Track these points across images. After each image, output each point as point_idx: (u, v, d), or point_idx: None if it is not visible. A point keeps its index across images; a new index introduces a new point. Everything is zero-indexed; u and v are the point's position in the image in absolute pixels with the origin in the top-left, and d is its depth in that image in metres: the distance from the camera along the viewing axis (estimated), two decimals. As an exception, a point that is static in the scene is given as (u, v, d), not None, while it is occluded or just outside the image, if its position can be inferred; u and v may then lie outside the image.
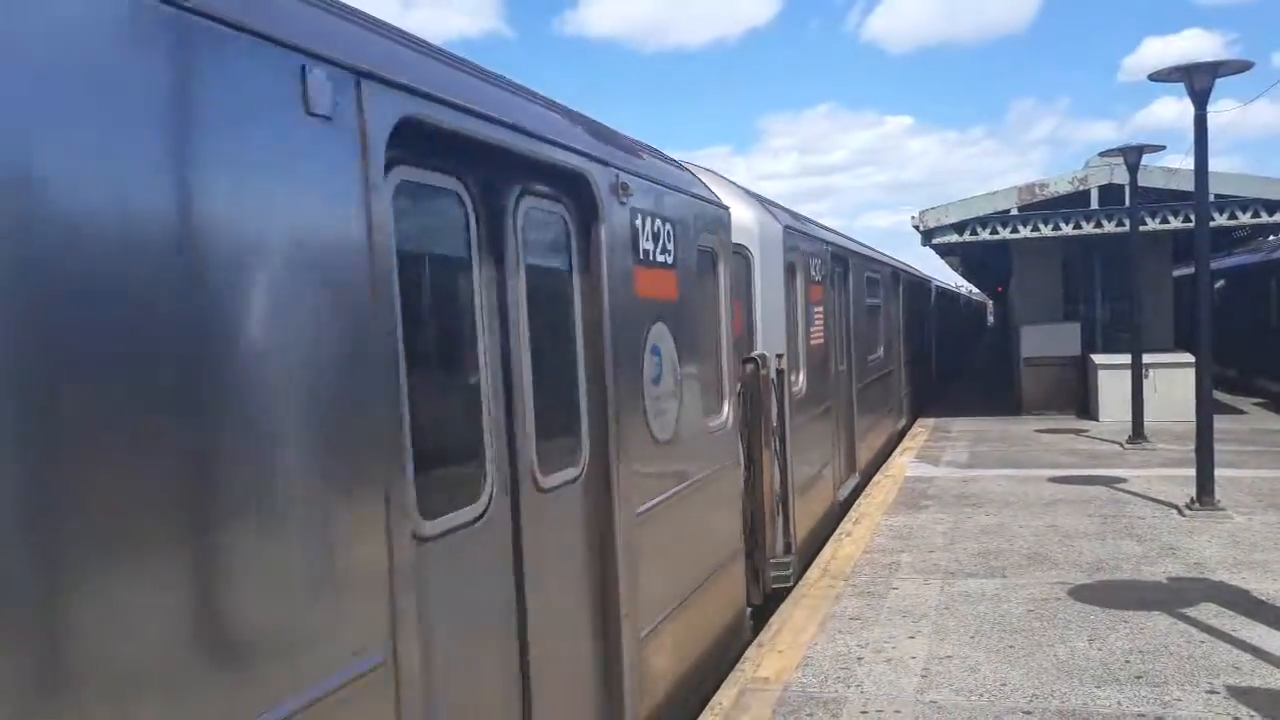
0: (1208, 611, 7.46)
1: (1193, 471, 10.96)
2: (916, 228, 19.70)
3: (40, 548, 1.96)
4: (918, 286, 24.06)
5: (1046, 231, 19.25)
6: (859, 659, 6.79)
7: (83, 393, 2.06)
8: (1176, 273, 22.78)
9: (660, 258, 5.67)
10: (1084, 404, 20.24)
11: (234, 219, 2.47)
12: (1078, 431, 18.07)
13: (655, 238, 5.58)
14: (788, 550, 8.81)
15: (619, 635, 4.85)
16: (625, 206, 5.09)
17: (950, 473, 14.30)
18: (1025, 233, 19.40)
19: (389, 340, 3.06)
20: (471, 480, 3.77)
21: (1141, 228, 16.64)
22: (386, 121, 3.07)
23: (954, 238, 19.76)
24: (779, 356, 8.58)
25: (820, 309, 10.65)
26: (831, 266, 11.40)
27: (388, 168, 3.14)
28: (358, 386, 2.91)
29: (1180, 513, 10.80)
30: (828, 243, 11.51)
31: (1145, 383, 16.17)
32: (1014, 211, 19.47)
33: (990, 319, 67.42)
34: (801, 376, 9.62)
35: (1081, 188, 19.48)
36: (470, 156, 3.77)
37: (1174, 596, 7.89)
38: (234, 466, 2.45)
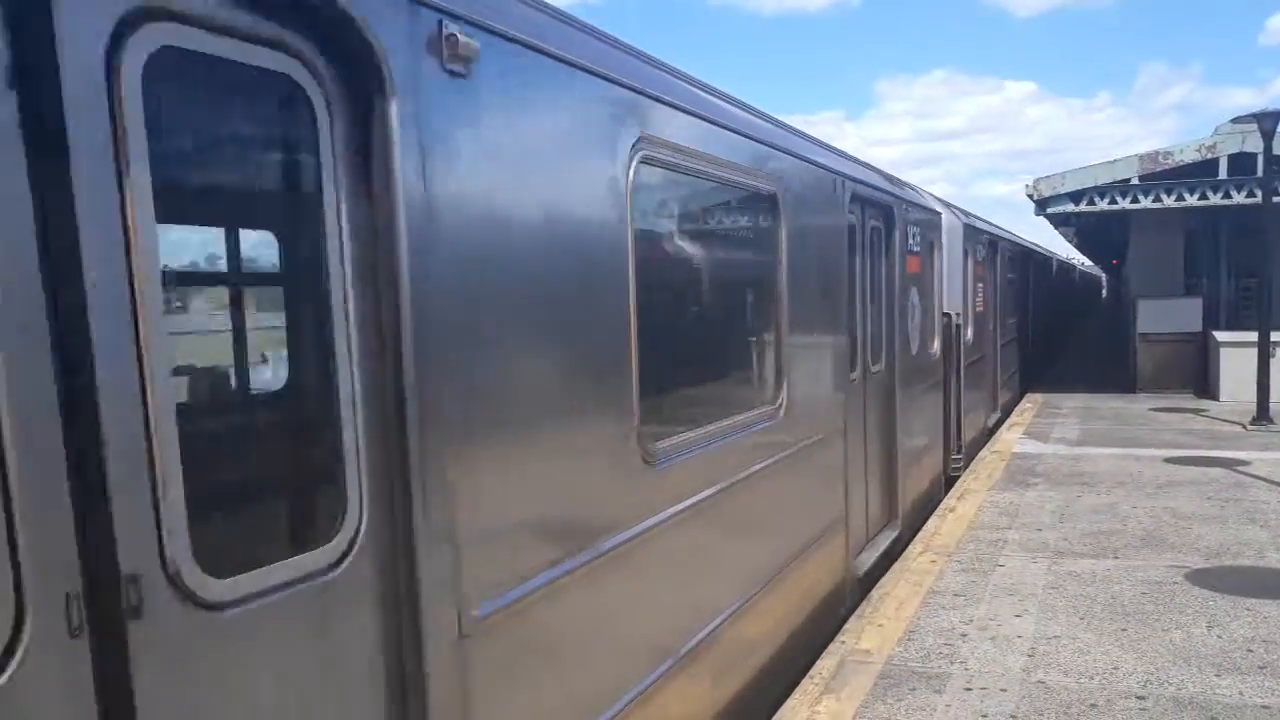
0: (1338, 602, 7.11)
1: (1324, 456, 10.43)
2: (1030, 196, 18.98)
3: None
4: (1022, 259, 23.34)
5: (1169, 202, 18.34)
6: (963, 635, 6.68)
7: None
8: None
9: (915, 248, 9.73)
10: (1203, 383, 19.37)
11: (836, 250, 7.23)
12: (1196, 411, 17.33)
13: (913, 236, 9.69)
14: (958, 450, 12.61)
15: (896, 453, 9.05)
16: (906, 221, 9.23)
17: (1060, 450, 13.88)
18: (1146, 203, 18.50)
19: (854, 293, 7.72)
20: (857, 361, 7.88)
21: (1275, 198, 15.74)
22: (848, 196, 7.34)
23: (1070, 207, 18.98)
24: (957, 314, 12.12)
25: (982, 284, 14.47)
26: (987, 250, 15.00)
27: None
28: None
29: (1308, 499, 10.30)
30: (986, 232, 15.31)
31: (1273, 361, 15.41)
32: (1134, 181, 18.61)
33: (1104, 292, 65.02)
34: (971, 330, 13.41)
35: (1209, 156, 18.47)
36: (858, 201, 7.75)
37: (1301, 585, 7.54)
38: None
